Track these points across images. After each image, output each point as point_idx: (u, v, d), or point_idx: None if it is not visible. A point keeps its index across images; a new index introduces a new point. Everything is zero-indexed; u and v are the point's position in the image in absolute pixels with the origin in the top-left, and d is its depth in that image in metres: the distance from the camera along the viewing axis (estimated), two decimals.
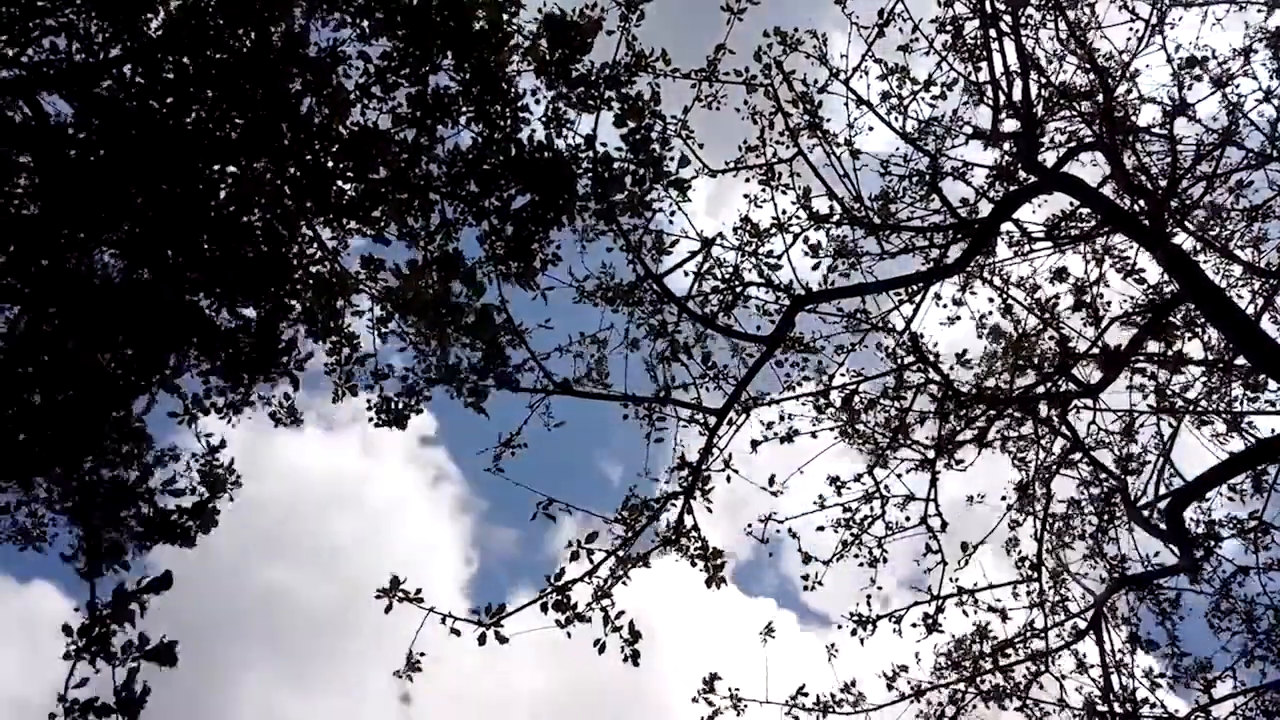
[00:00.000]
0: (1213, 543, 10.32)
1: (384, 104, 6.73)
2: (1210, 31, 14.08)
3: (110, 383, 6.12)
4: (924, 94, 10.31)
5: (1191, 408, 10.69)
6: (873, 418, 10.62)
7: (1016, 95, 9.60)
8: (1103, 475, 10.87)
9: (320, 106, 6.38)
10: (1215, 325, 8.73)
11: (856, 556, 10.26)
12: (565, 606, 7.60)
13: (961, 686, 9.85)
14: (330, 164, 6.48)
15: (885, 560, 10.26)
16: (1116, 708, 9.47)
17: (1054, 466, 10.94)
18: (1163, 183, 9.99)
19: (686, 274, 9.07)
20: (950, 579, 10.20)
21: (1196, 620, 10.34)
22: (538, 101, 7.00)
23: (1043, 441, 11.06)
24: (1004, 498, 11.07)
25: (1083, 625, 10.03)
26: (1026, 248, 10.82)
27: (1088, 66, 10.24)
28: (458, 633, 6.97)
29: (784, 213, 9.61)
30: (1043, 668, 9.93)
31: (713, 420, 8.69)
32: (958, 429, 10.59)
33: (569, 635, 7.54)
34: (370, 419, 7.86)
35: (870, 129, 10.56)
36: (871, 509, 10.37)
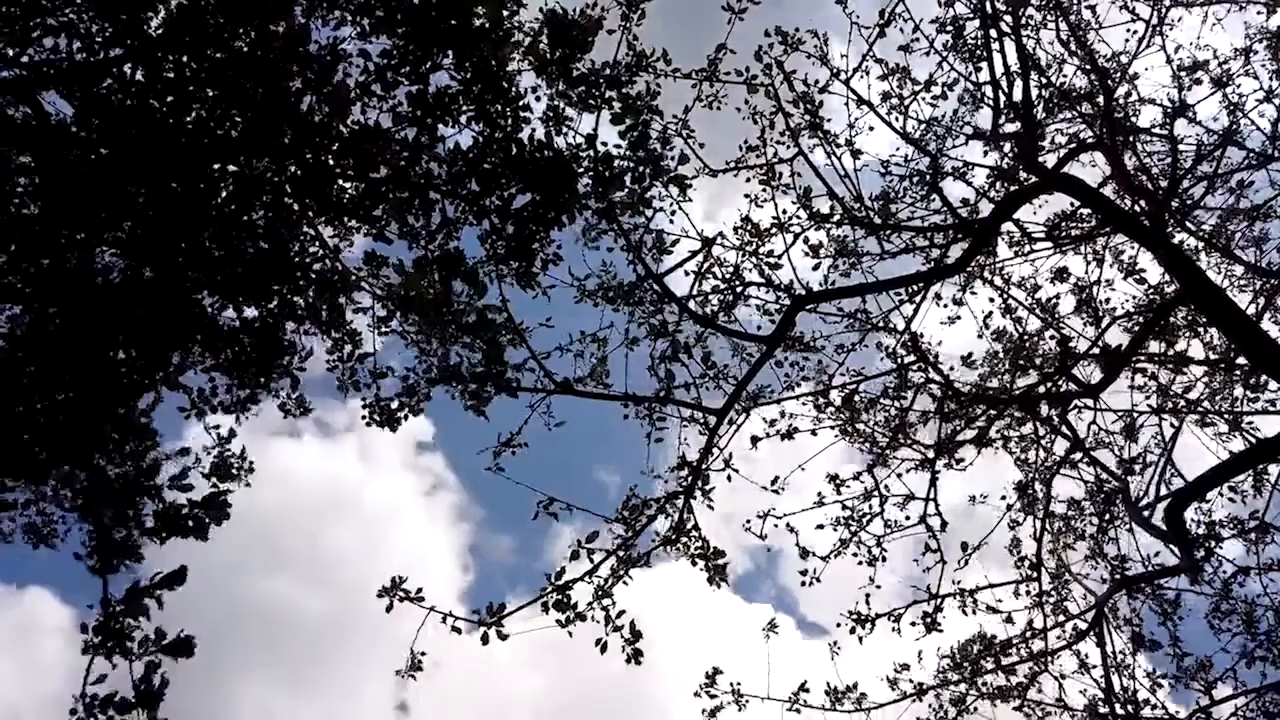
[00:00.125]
0: (1213, 543, 10.32)
1: (384, 102, 6.73)
2: (1210, 32, 14.07)
3: (114, 381, 6.12)
4: (924, 94, 10.33)
5: (1193, 408, 10.69)
6: (873, 417, 10.63)
7: (1017, 96, 9.61)
8: (1104, 475, 10.86)
9: (321, 105, 6.38)
10: (1216, 325, 8.74)
11: (855, 555, 10.25)
12: (566, 606, 7.61)
13: (963, 687, 9.85)
14: (331, 163, 6.48)
15: (884, 559, 10.26)
16: (1118, 708, 9.46)
17: (1054, 467, 10.93)
18: (1163, 183, 9.99)
19: (687, 274, 9.08)
20: (952, 581, 10.22)
21: (1197, 621, 10.34)
22: (538, 100, 7.00)
23: (1043, 441, 11.07)
24: (1004, 498, 11.08)
25: (1083, 626, 10.04)
26: (1027, 248, 10.83)
27: (1088, 67, 10.25)
28: (459, 630, 6.99)
29: (784, 212, 9.63)
30: (1042, 668, 9.94)
31: (713, 420, 8.70)
32: (958, 429, 10.59)
33: (570, 635, 7.55)
34: (364, 418, 7.96)
35: (871, 129, 10.57)
36: (870, 507, 10.37)
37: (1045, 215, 11.39)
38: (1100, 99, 10.09)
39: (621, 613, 7.51)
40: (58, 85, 6.14)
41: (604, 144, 7.10)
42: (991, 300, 11.12)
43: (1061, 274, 10.91)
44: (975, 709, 9.80)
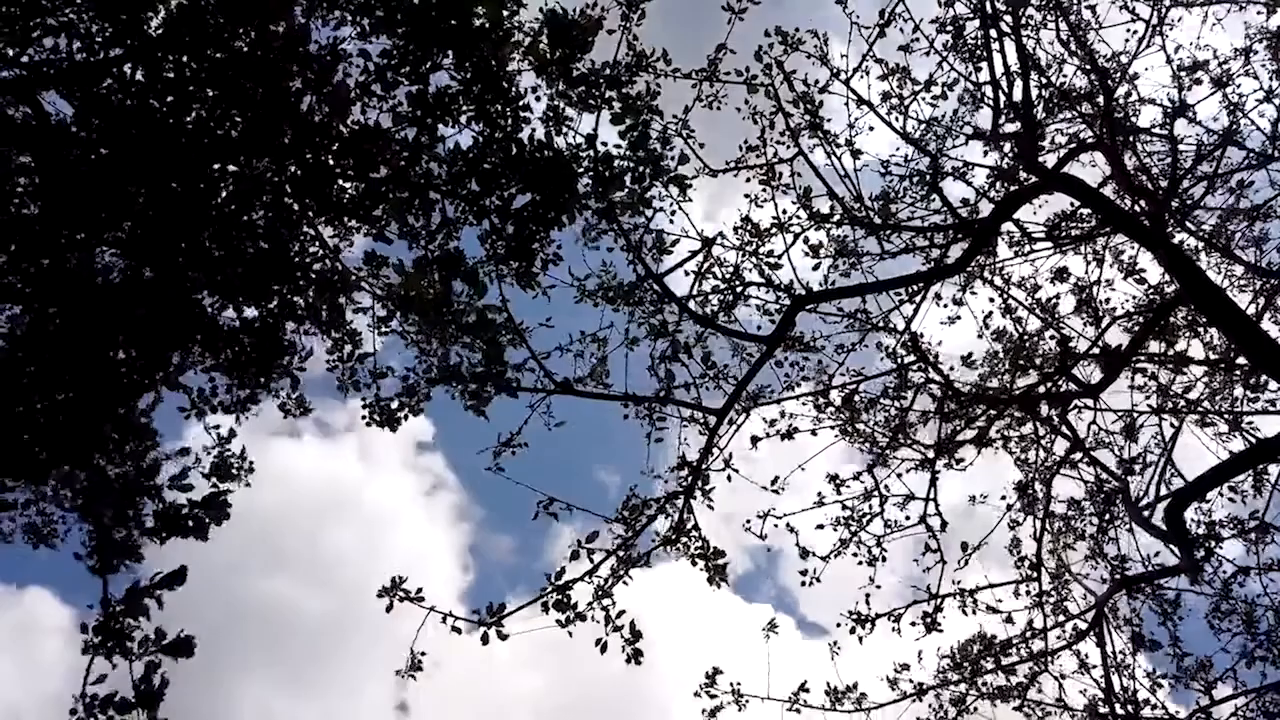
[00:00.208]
0: (1213, 543, 10.32)
1: (384, 102, 6.73)
2: (1210, 32, 14.07)
3: (114, 381, 6.12)
4: (924, 94, 10.33)
5: (1193, 408, 10.69)
6: (873, 417, 10.63)
7: (1017, 96, 9.61)
8: (1104, 475, 10.86)
9: (321, 105, 6.38)
10: (1216, 325, 8.74)
11: (855, 555, 10.25)
12: (566, 606, 7.61)
13: (963, 688, 9.85)
14: (331, 163, 6.48)
15: (884, 559, 10.26)
16: (1118, 709, 9.46)
17: (1054, 467, 10.93)
18: (1163, 183, 9.99)
19: (687, 273, 9.08)
20: (952, 581, 10.22)
21: (1197, 621, 10.34)
22: (538, 100, 7.00)
23: (1043, 441, 11.07)
24: (1004, 498, 11.08)
25: (1083, 626, 10.04)
26: (1027, 248, 10.83)
27: (1088, 67, 10.25)
28: (459, 630, 6.99)
29: (784, 212, 9.63)
30: (1042, 668, 9.94)
31: (713, 420, 8.70)
32: (958, 429, 10.59)
33: (570, 635, 7.55)
34: (364, 418, 7.97)
35: (871, 129, 10.57)
36: (870, 507, 10.37)
37: (1045, 215, 11.41)
38: (1100, 99, 10.09)
39: (621, 612, 7.52)
40: (58, 85, 6.14)
41: (604, 144, 7.12)
42: (991, 300, 11.14)
43: (1061, 274, 10.91)
44: (975, 709, 9.80)
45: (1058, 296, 10.89)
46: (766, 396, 9.78)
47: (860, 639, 9.69)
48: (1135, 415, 10.83)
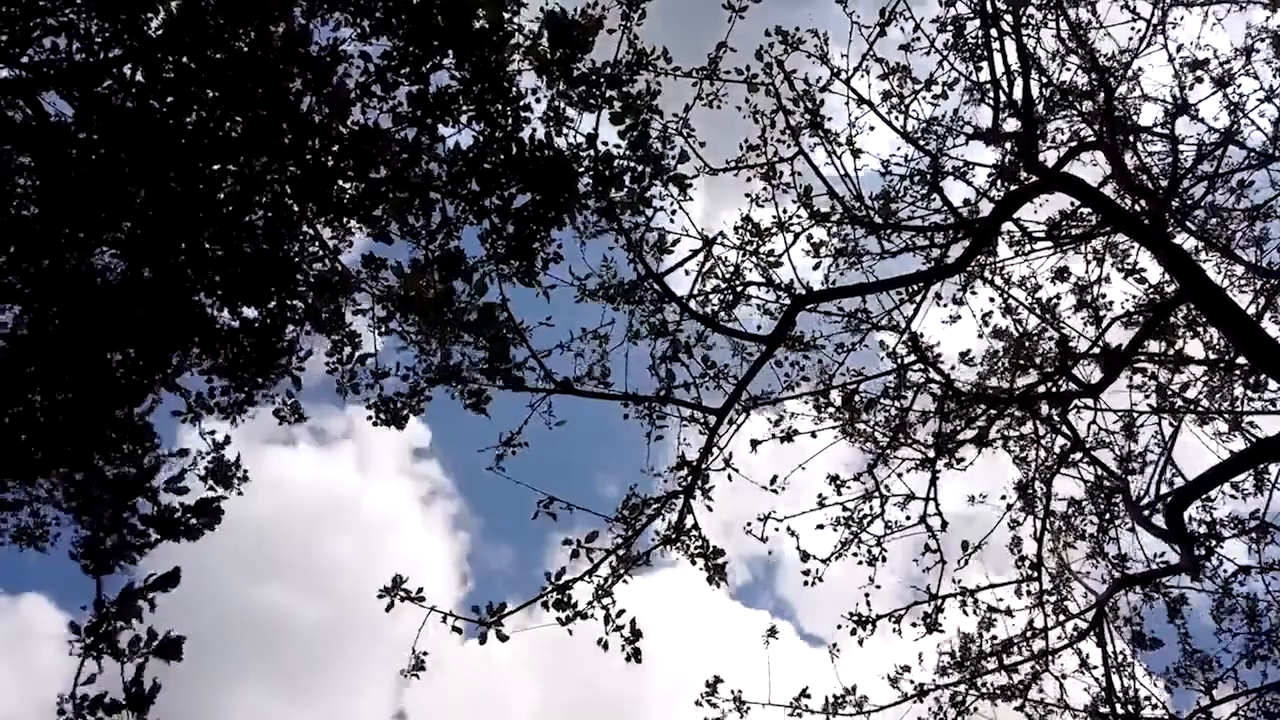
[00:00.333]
0: (1214, 542, 10.32)
1: (385, 103, 6.72)
2: (1211, 31, 14.08)
3: (113, 382, 6.12)
4: (925, 93, 10.32)
5: (1192, 407, 10.69)
6: (873, 417, 10.62)
7: (1017, 95, 9.61)
8: (1104, 475, 10.86)
9: (321, 106, 6.38)
10: (1216, 325, 8.73)
11: (855, 556, 10.25)
12: (566, 605, 7.61)
13: (963, 688, 9.85)
14: (331, 163, 6.47)
15: (884, 559, 10.25)
16: (1118, 708, 9.47)
17: (1054, 466, 10.93)
18: (1164, 183, 9.99)
19: (687, 273, 9.08)
20: (952, 581, 10.22)
21: (1197, 620, 10.35)
22: (538, 100, 6.99)
23: (1043, 441, 11.07)
24: (1004, 497, 11.08)
25: (1084, 625, 10.04)
26: (1027, 247, 10.82)
27: (1089, 66, 10.25)
28: (459, 630, 6.99)
29: (785, 212, 9.63)
30: (1043, 667, 9.94)
31: (713, 420, 8.70)
32: (958, 428, 10.59)
33: (570, 634, 7.55)
34: (369, 417, 7.88)
35: (871, 128, 10.54)
36: (871, 508, 10.37)
37: (1045, 215, 11.41)
38: (1101, 98, 10.09)
39: (621, 611, 7.52)
40: (58, 85, 6.13)
41: (604, 144, 7.11)
42: (991, 300, 11.13)
43: (1061, 274, 10.90)
44: (976, 709, 9.80)
45: (1058, 296, 10.90)
46: (766, 396, 9.79)
47: (861, 641, 9.68)
48: (1135, 415, 10.84)
